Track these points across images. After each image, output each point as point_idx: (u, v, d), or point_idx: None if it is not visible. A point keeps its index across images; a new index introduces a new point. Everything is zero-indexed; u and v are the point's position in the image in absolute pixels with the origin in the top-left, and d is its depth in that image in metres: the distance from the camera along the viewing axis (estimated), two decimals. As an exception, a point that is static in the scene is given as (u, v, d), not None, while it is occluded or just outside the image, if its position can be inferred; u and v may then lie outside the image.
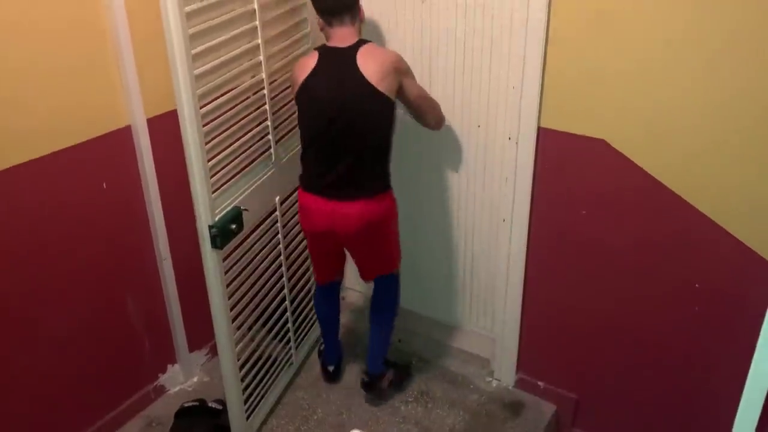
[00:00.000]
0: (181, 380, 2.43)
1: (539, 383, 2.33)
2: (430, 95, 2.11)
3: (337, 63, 1.91)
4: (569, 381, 2.26)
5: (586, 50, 1.78)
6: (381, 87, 1.87)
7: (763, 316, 0.80)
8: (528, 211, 2.08)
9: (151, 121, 2.06)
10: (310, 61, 1.94)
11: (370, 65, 1.87)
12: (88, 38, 1.87)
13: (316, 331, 2.64)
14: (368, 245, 2.12)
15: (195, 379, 2.46)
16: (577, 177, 1.94)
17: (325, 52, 1.95)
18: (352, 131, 1.92)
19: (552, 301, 2.17)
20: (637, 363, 2.04)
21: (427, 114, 2.10)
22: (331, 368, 2.48)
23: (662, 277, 1.88)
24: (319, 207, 2.01)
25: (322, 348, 2.53)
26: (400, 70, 1.93)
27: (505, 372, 2.40)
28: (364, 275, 2.25)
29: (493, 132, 2.13)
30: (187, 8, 1.60)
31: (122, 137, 2.04)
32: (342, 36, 1.92)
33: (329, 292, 2.37)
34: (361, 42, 1.93)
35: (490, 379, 2.44)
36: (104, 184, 2.02)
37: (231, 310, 1.99)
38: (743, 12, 1.48)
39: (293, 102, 2.21)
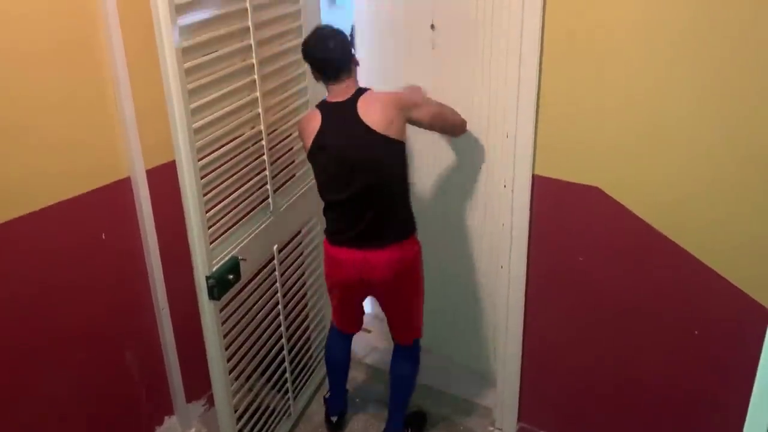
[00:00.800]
0: (178, 432, 2.40)
1: (541, 432, 2.29)
2: (441, 109, 2.11)
3: (341, 119, 1.95)
4: (571, 430, 2.22)
5: (577, 100, 1.81)
6: (389, 133, 1.91)
7: (757, 358, 0.80)
8: (525, 259, 2.08)
9: (150, 172, 2.08)
10: (315, 122, 1.98)
11: (372, 115, 1.91)
12: (90, 91, 1.90)
13: (314, 381, 2.61)
14: (399, 293, 2.12)
15: (192, 431, 2.43)
16: (573, 224, 1.95)
17: (326, 109, 1.98)
18: (370, 182, 1.95)
19: (552, 349, 2.15)
20: (639, 411, 2.01)
21: (446, 128, 2.17)
22: (334, 419, 2.45)
23: (661, 322, 1.87)
24: (348, 258, 2.03)
25: (327, 396, 2.50)
26: (404, 108, 1.96)
27: (506, 421, 2.36)
28: (396, 333, 2.24)
29: (491, 179, 2.15)
30: (186, 64, 1.64)
31: (122, 188, 2.06)
32: (340, 91, 1.96)
33: (344, 339, 2.36)
34: (359, 92, 1.96)
35: (492, 428, 2.40)
36: (103, 235, 2.03)
37: (228, 360, 1.98)
38: (730, 61, 1.52)
39: (292, 151, 2.26)
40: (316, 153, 1.99)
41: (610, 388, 2.05)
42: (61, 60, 1.80)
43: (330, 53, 1.93)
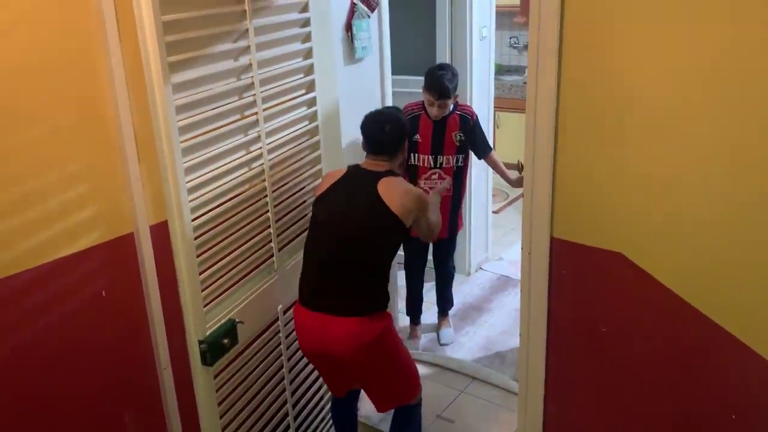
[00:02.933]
0: (178, 499, 2.28)
1: None
2: (434, 221, 2.20)
3: (359, 182, 2.04)
4: None
5: (597, 159, 1.68)
6: (398, 212, 1.98)
7: None
8: (545, 327, 1.92)
9: (154, 228, 2.03)
10: (336, 175, 2.08)
11: (391, 193, 1.98)
12: (94, 144, 1.87)
13: (324, 448, 2.48)
14: (368, 370, 2.06)
15: (193, 499, 2.31)
16: (595, 292, 1.79)
17: (353, 170, 2.10)
18: (357, 248, 1.98)
19: (574, 419, 1.97)
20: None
21: (421, 234, 2.21)
22: None
23: (694, 404, 1.68)
24: (311, 323, 1.96)
25: None
26: (420, 208, 2.06)
27: (528, 504, 2.16)
28: (376, 405, 2.18)
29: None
30: (180, 123, 1.59)
31: (125, 244, 2.01)
32: (373, 164, 2.09)
33: (345, 404, 2.27)
34: (390, 172, 2.08)
35: None
36: (103, 292, 1.98)
37: (224, 429, 1.87)
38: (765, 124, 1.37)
39: (303, 205, 2.19)
40: (320, 201, 2.05)
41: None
42: (64, 113, 1.78)
43: (381, 136, 2.09)
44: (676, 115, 1.52)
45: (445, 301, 3.32)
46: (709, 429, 1.68)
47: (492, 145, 3.79)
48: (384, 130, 2.09)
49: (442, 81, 2.79)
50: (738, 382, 1.58)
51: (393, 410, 2.22)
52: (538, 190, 1.81)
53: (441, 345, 3.19)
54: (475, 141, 3.03)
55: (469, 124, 2.98)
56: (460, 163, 3.01)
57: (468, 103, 3.51)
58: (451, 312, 3.33)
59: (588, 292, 1.82)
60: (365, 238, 1.98)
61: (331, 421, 2.50)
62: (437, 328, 3.31)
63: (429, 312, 3.34)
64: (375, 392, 2.15)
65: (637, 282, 1.69)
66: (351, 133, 2.45)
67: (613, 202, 1.69)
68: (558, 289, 1.88)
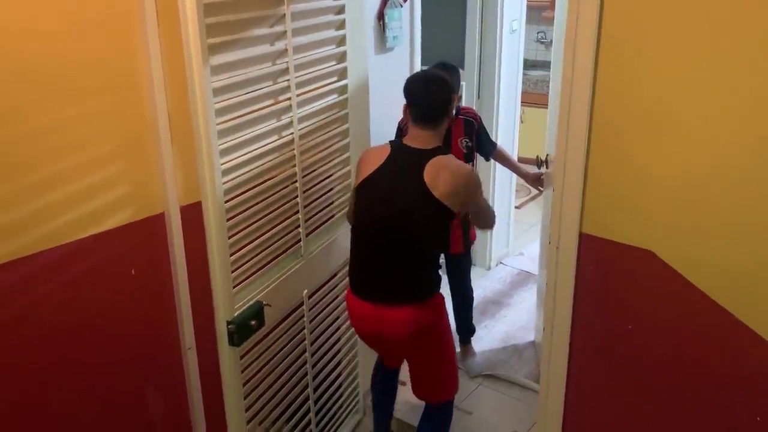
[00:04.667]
0: (199, 477, 2.31)
1: None
2: (486, 209, 2.14)
3: (405, 166, 1.93)
4: None
5: (631, 154, 1.67)
6: (445, 201, 1.89)
7: None
8: (569, 322, 1.92)
9: (184, 209, 2.05)
10: (379, 156, 1.97)
11: (438, 180, 1.88)
12: (128, 124, 1.90)
13: (342, 432, 2.50)
14: (418, 354, 2.07)
15: (213, 477, 2.35)
16: (622, 289, 1.79)
17: (397, 149, 1.97)
18: (403, 235, 1.92)
19: (596, 417, 1.97)
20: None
21: (479, 224, 2.27)
22: None
23: (718, 406, 1.67)
24: (365, 312, 2.01)
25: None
26: (469, 193, 1.95)
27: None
28: (414, 389, 2.18)
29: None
30: (218, 105, 1.61)
31: (155, 224, 2.03)
32: (419, 137, 1.95)
33: (389, 374, 2.34)
34: (437, 150, 1.94)
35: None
36: (133, 271, 2.01)
37: (247, 410, 1.90)
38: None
39: (331, 193, 2.19)
40: (364, 186, 1.98)
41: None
42: (100, 93, 1.81)
43: (428, 99, 1.93)
44: (711, 117, 1.51)
45: (467, 328, 2.99)
46: (732, 430, 1.67)
47: (516, 141, 3.78)
48: (431, 91, 1.92)
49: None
50: (765, 385, 1.57)
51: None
52: (569, 185, 1.80)
53: (471, 378, 2.88)
54: (481, 143, 2.80)
55: (474, 128, 2.76)
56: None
57: (494, 98, 3.50)
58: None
59: (615, 288, 1.81)
60: (412, 225, 1.90)
61: (349, 401, 2.52)
62: (461, 358, 2.92)
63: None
64: (420, 375, 2.14)
65: (666, 281, 1.68)
66: (380, 122, 2.45)
67: (645, 199, 1.67)
68: (584, 285, 1.87)
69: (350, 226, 2.11)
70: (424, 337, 1.99)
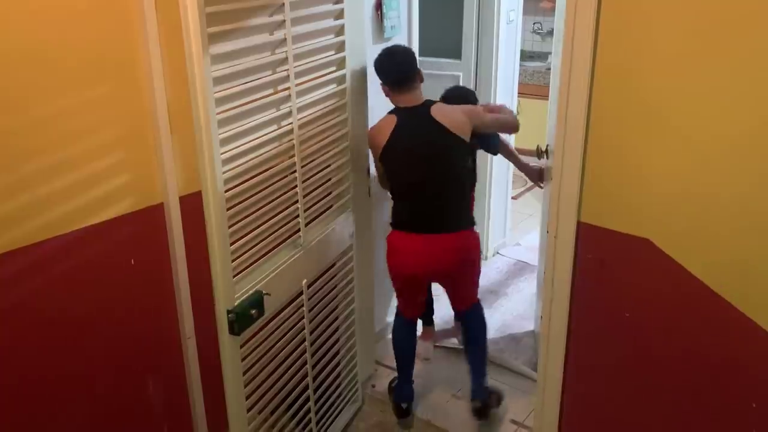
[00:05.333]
0: (199, 466, 2.33)
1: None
2: (497, 116, 2.40)
3: (416, 118, 2.25)
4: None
5: (629, 144, 1.68)
6: (459, 133, 2.23)
7: None
8: (567, 310, 1.94)
9: (183, 199, 2.06)
10: (390, 123, 2.25)
11: (445, 117, 2.23)
12: (127, 114, 1.90)
13: (341, 421, 2.51)
14: (465, 273, 2.41)
15: (213, 465, 2.36)
16: (619, 277, 1.80)
17: (401, 112, 2.27)
18: (441, 173, 2.26)
19: (593, 406, 1.99)
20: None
21: (503, 129, 2.52)
22: (405, 405, 2.53)
23: (714, 392, 1.69)
24: (422, 244, 2.27)
25: (393, 385, 2.61)
26: (471, 116, 2.28)
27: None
28: (459, 303, 2.53)
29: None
30: (217, 94, 1.61)
31: (155, 214, 2.04)
32: (410, 98, 2.28)
33: (410, 325, 2.53)
34: (430, 101, 2.28)
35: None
36: (132, 261, 2.02)
37: (248, 398, 1.91)
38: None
39: (329, 183, 2.20)
40: (390, 149, 2.24)
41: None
42: (100, 82, 1.81)
43: (402, 65, 2.28)
44: (708, 108, 1.51)
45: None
46: (729, 416, 1.69)
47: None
48: (401, 60, 2.29)
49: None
50: (763, 374, 1.58)
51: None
52: (567, 174, 1.82)
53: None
54: (485, 139, 2.64)
55: None
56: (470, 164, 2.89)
57: (491, 89, 3.49)
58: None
59: (613, 277, 1.82)
60: (447, 163, 2.24)
61: (348, 389, 2.54)
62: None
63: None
64: (462, 294, 2.50)
65: (664, 269, 1.69)
66: (378, 111, 2.45)
67: (642, 188, 1.69)
68: (582, 273, 1.89)
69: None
70: (472, 261, 2.40)
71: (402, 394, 2.54)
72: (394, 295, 2.98)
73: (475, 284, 2.52)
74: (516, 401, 2.61)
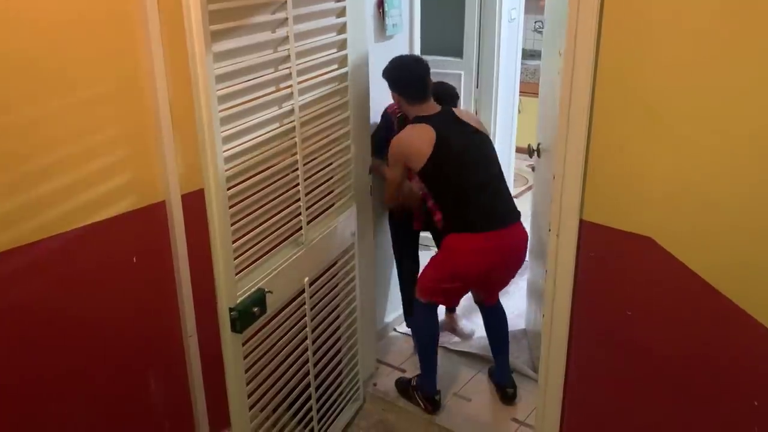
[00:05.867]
0: (200, 463, 2.33)
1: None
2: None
3: (451, 124, 2.37)
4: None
5: (632, 142, 1.67)
6: (484, 131, 2.45)
7: None
8: (569, 309, 1.93)
9: (185, 197, 2.06)
10: (427, 132, 2.31)
11: (471, 120, 2.44)
12: (129, 111, 1.90)
13: (342, 419, 2.51)
14: (517, 266, 2.53)
15: (215, 463, 2.36)
16: (622, 276, 1.80)
17: (432, 120, 2.34)
18: (494, 169, 2.40)
19: (595, 405, 1.98)
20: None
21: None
22: (438, 396, 2.58)
23: (715, 390, 1.69)
24: (499, 242, 2.36)
25: (414, 383, 2.63)
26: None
27: (543, 482, 2.18)
28: (492, 297, 2.64)
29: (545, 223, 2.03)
30: (220, 92, 1.61)
31: (156, 212, 2.04)
32: (431, 106, 2.39)
33: (435, 311, 2.59)
34: (447, 108, 2.41)
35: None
36: (134, 259, 2.02)
37: (249, 396, 1.91)
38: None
39: (331, 181, 2.20)
40: (443, 155, 2.31)
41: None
42: (101, 81, 1.81)
43: (424, 79, 2.37)
44: (711, 107, 1.51)
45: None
46: (731, 415, 1.69)
47: (514, 130, 3.79)
48: (425, 71, 2.40)
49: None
50: (766, 372, 1.58)
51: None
52: (569, 172, 1.81)
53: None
54: None
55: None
56: None
57: (493, 88, 3.50)
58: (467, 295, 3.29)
59: (615, 275, 1.82)
60: (492, 161, 2.40)
61: (350, 387, 2.54)
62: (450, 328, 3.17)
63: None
64: (499, 288, 2.67)
65: (666, 267, 1.69)
66: (379, 110, 2.46)
67: (646, 186, 1.68)
68: (584, 272, 1.89)
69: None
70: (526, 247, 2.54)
71: (434, 386, 2.58)
72: (398, 292, 2.99)
73: None
74: (518, 400, 2.61)
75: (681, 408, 1.78)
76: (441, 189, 2.40)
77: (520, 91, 3.87)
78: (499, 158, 3.42)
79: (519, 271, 3.53)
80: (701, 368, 1.71)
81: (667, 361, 1.77)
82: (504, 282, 2.65)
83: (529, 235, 2.56)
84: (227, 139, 1.66)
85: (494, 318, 2.65)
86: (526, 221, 2.65)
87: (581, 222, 1.84)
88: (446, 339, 3.04)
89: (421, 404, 2.58)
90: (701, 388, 1.72)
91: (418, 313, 2.60)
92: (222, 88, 1.62)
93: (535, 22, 5.27)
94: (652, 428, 1.86)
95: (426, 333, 2.58)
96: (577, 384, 2.01)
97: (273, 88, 1.82)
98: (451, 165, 2.33)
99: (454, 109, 2.43)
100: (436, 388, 2.59)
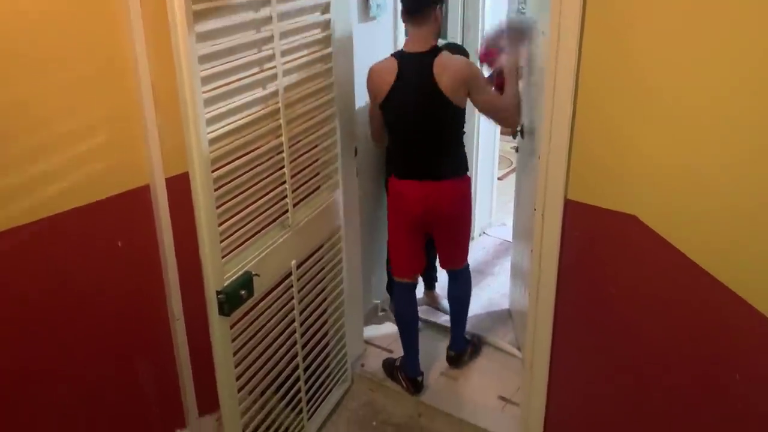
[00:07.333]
0: (189, 446, 2.34)
1: (567, 473, 2.15)
2: (496, 100, 2.34)
3: (417, 74, 2.24)
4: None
5: (616, 121, 1.69)
6: (454, 100, 2.23)
7: None
8: (554, 287, 1.96)
9: (169, 181, 2.04)
10: (390, 75, 2.26)
11: (445, 80, 2.21)
12: (111, 94, 1.87)
13: (330, 401, 2.53)
14: (455, 222, 2.48)
15: (204, 446, 2.37)
16: (606, 254, 1.82)
17: (403, 60, 2.27)
18: (432, 131, 2.32)
19: (580, 382, 2.02)
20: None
21: (495, 118, 2.43)
22: (420, 378, 2.57)
23: (699, 366, 1.72)
24: (415, 190, 2.36)
25: (398, 363, 2.63)
26: (469, 81, 2.24)
27: (530, 460, 2.22)
28: (451, 263, 2.60)
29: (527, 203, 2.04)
30: (203, 73, 1.59)
31: (140, 196, 2.02)
32: (419, 38, 2.26)
33: (410, 290, 2.58)
34: (437, 50, 2.25)
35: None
36: (119, 243, 2.00)
37: (238, 379, 1.91)
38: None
39: (317, 163, 2.19)
40: (389, 102, 2.30)
41: (641, 430, 1.90)
42: (83, 64, 1.78)
43: None
44: (696, 86, 1.51)
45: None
46: (713, 389, 1.72)
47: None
48: None
49: None
50: (746, 346, 1.61)
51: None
52: (554, 152, 1.82)
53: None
54: None
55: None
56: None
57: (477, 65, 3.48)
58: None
59: (599, 253, 1.84)
60: (441, 121, 2.29)
61: (338, 369, 2.56)
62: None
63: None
64: (454, 250, 2.57)
65: (649, 245, 1.71)
66: (364, 92, 2.44)
67: (629, 165, 1.70)
68: (569, 250, 1.91)
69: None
70: (466, 204, 2.47)
71: (415, 368, 2.58)
72: (385, 273, 3.00)
73: (466, 242, 2.60)
74: (504, 378, 2.64)
75: (665, 383, 1.81)
76: (388, 130, 2.42)
77: (504, 72, 3.86)
78: (480, 138, 3.48)
79: (506, 254, 3.61)
80: (686, 344, 1.73)
81: (651, 337, 1.80)
82: (449, 240, 2.55)
83: (513, 216, 2.56)
84: (211, 121, 1.64)
85: (453, 285, 2.67)
86: (510, 204, 2.65)
87: (566, 201, 1.85)
88: (432, 315, 3.07)
89: (404, 384, 2.59)
90: (686, 363, 1.75)
91: (395, 295, 2.63)
92: (205, 69, 1.60)
93: (519, 3, 5.25)
94: (638, 404, 1.89)
95: (402, 313, 2.58)
96: (562, 361, 2.04)
97: (257, 69, 1.80)
98: (394, 114, 2.34)
99: (443, 56, 2.24)
100: (419, 369, 2.59)
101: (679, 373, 1.77)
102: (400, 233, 2.50)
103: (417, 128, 2.33)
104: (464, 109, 2.33)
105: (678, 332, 1.74)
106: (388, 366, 2.69)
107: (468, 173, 2.49)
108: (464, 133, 2.44)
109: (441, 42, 2.58)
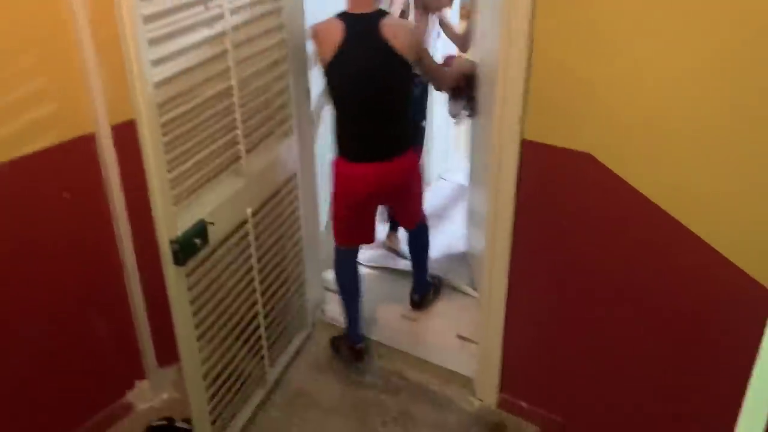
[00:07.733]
0: (150, 397, 2.33)
1: (522, 404, 2.23)
2: (436, 68, 2.39)
3: (365, 35, 2.10)
4: (554, 403, 2.16)
5: (571, 59, 1.68)
6: (405, 54, 2.11)
7: (758, 340, 0.75)
8: (510, 226, 1.98)
9: (116, 129, 1.95)
10: (336, 34, 2.09)
11: (396, 38, 2.09)
12: (48, 37, 1.77)
13: (292, 347, 2.54)
14: (409, 193, 2.44)
15: (165, 396, 2.36)
16: (562, 192, 1.85)
17: (350, 22, 2.11)
18: (386, 98, 2.18)
19: (536, 318, 2.07)
20: (626, 386, 1.94)
21: (432, 81, 2.49)
22: (361, 345, 2.49)
23: (650, 298, 1.78)
24: (368, 172, 2.23)
25: (344, 328, 2.54)
26: (418, 48, 2.19)
27: (487, 392, 2.30)
28: (407, 222, 2.61)
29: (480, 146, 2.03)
30: (145, 11, 1.50)
31: (85, 145, 1.94)
32: (363, 1, 2.11)
33: (353, 257, 2.50)
34: (382, 12, 2.14)
35: (472, 398, 2.34)
36: (65, 194, 1.92)
37: (197, 328, 1.89)
38: (740, 15, 1.38)
39: (271, 109, 2.13)
40: (335, 67, 2.12)
41: (595, 362, 1.97)
42: (13, 3, 1.66)
43: None
44: (649, 24, 1.51)
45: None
46: (664, 321, 1.79)
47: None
48: None
49: None
50: (694, 276, 1.67)
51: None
52: (510, 92, 1.81)
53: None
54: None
55: None
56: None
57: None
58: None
59: (555, 191, 1.87)
60: (393, 86, 2.17)
61: (299, 323, 2.56)
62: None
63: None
64: (411, 210, 2.54)
65: (604, 182, 1.73)
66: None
67: (584, 104, 1.70)
68: (526, 189, 1.92)
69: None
70: (414, 178, 2.41)
71: (357, 334, 2.49)
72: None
73: (421, 201, 2.56)
74: (463, 318, 2.70)
75: (617, 315, 1.87)
76: (334, 101, 2.22)
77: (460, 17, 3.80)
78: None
79: (463, 198, 3.64)
80: (639, 280, 1.79)
81: (603, 271, 1.85)
82: (403, 208, 2.54)
83: (467, 162, 2.53)
84: (156, 63, 1.56)
85: (412, 241, 2.69)
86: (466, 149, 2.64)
87: (522, 141, 1.86)
88: (391, 261, 3.09)
89: (346, 354, 2.51)
90: (639, 299, 1.81)
91: (336, 261, 2.49)
92: (148, 8, 1.51)
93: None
94: (592, 337, 1.96)
95: (341, 278, 2.48)
96: (518, 298, 2.09)
97: (202, 8, 1.71)
98: (342, 80, 2.14)
99: (388, 19, 2.13)
100: (360, 336, 2.51)
101: (631, 305, 1.83)
102: (350, 212, 2.36)
103: (367, 93, 2.14)
104: (409, 72, 2.20)
105: (630, 265, 1.79)
106: (334, 343, 2.60)
107: (414, 140, 2.47)
108: (410, 105, 2.33)
109: None
